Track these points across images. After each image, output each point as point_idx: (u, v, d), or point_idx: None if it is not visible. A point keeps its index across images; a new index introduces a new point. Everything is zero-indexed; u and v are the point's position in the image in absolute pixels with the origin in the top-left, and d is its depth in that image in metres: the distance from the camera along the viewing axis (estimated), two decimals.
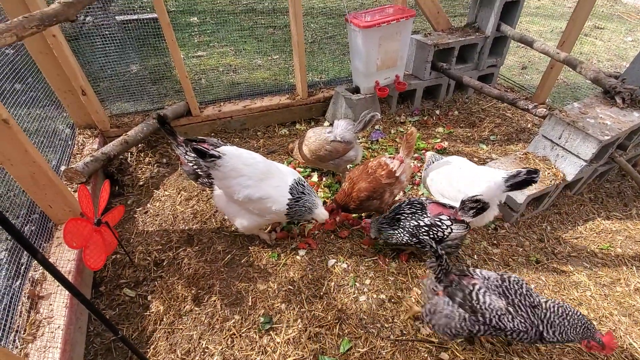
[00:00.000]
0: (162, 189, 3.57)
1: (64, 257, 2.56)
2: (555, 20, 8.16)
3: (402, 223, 2.67)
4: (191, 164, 2.96)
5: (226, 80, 4.89)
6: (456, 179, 2.74)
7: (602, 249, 3.11)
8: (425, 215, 2.61)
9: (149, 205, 3.40)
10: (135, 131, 3.63)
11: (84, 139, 3.64)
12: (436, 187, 2.91)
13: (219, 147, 2.56)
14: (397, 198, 3.46)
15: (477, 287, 2.04)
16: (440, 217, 2.55)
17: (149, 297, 2.65)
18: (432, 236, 2.55)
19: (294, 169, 3.81)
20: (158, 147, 4.04)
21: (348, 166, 3.49)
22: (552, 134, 3.17)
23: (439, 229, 2.54)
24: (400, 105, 4.83)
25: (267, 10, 5.79)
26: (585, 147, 2.94)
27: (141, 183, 3.62)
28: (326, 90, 4.64)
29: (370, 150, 4.13)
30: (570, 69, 3.65)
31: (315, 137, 3.29)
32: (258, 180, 2.49)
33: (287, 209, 2.63)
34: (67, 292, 2.30)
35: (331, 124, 3.46)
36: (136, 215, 3.29)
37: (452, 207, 2.61)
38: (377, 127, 4.44)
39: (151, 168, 3.80)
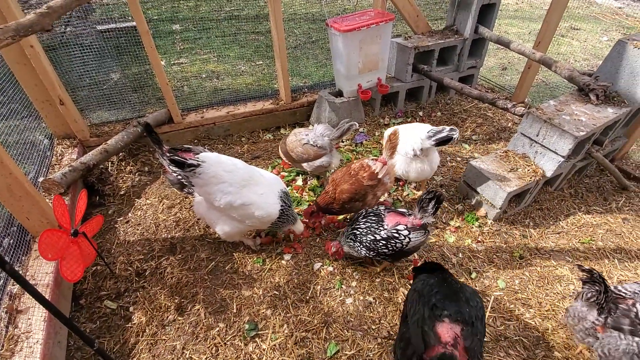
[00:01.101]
0: (144, 198, 3.51)
1: (42, 270, 2.49)
2: (533, 22, 8.36)
3: (358, 238, 2.62)
4: (175, 174, 2.91)
5: (209, 87, 4.87)
6: (408, 131, 3.24)
7: (583, 243, 3.16)
8: (382, 228, 2.56)
9: (130, 214, 3.34)
10: (115, 140, 3.57)
11: (63, 149, 3.57)
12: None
13: (198, 153, 2.53)
14: (382, 199, 3.48)
15: (638, 305, 1.94)
16: (397, 227, 2.52)
17: (131, 309, 2.60)
18: (390, 248, 2.52)
19: (279, 173, 3.80)
20: (139, 156, 3.98)
21: (331, 170, 3.50)
22: (530, 132, 3.23)
23: (397, 241, 2.50)
24: (383, 108, 4.87)
25: (249, 16, 5.79)
26: (562, 143, 3.00)
27: (122, 192, 3.56)
28: (310, 95, 4.65)
29: (354, 152, 4.15)
30: (548, 69, 3.73)
31: (293, 137, 3.32)
32: (239, 187, 2.47)
33: (278, 216, 2.65)
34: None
35: None
36: (117, 225, 3.23)
37: (409, 214, 2.61)
38: (361, 129, 4.46)
39: (132, 177, 3.74)
